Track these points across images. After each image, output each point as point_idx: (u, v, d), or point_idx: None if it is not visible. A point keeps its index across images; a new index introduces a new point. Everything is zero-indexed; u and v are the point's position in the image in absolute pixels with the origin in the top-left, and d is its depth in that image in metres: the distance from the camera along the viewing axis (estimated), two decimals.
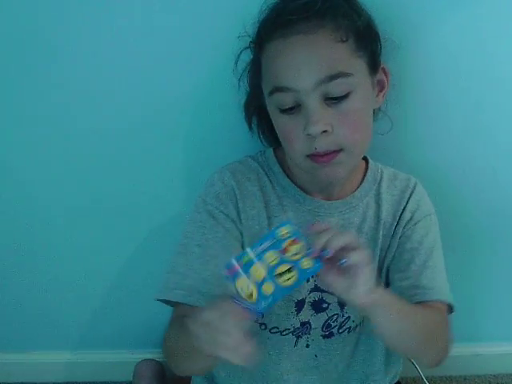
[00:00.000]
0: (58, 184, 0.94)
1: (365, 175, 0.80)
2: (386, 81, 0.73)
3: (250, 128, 0.82)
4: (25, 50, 0.82)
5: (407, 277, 0.76)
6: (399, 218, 0.79)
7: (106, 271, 1.04)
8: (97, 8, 0.79)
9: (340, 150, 0.67)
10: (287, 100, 0.66)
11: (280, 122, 0.69)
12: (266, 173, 0.78)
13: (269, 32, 0.67)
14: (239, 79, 0.79)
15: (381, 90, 0.73)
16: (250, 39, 0.74)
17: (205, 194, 0.76)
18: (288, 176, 0.77)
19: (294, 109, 0.66)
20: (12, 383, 1.15)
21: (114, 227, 0.99)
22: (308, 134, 0.65)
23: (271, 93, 0.67)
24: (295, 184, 0.77)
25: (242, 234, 0.75)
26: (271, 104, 0.69)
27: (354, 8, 0.69)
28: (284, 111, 0.67)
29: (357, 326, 0.80)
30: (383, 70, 0.73)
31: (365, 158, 0.81)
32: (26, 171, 0.93)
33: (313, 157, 0.68)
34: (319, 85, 0.64)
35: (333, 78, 0.64)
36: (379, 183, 0.80)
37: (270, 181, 0.77)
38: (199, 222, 0.75)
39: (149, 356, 1.09)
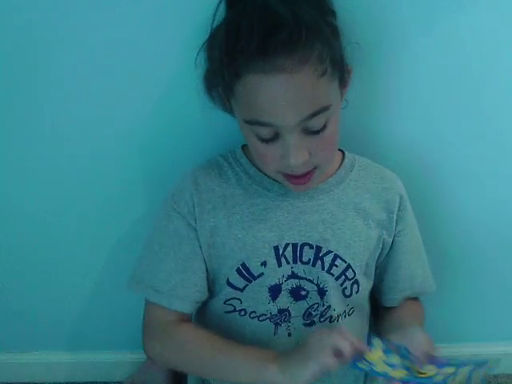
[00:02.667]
0: (57, 184, 0.94)
1: (341, 163, 0.81)
2: (348, 79, 0.72)
3: (213, 100, 0.76)
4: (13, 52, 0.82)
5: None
6: (389, 212, 0.80)
7: (106, 270, 1.04)
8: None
9: (315, 168, 0.70)
10: (266, 132, 0.66)
11: (255, 144, 0.69)
12: (231, 167, 0.79)
13: (249, 63, 0.62)
14: (196, 56, 0.74)
15: (344, 88, 0.72)
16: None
17: (167, 195, 0.80)
18: (256, 166, 0.78)
19: (271, 140, 0.67)
20: (12, 383, 1.15)
21: (114, 227, 0.99)
22: (288, 165, 0.67)
23: (249, 122, 0.66)
24: (264, 172, 0.77)
25: (195, 228, 0.77)
26: (247, 128, 0.68)
27: (331, 26, 0.67)
28: (261, 139, 0.67)
29: (339, 315, 0.80)
30: (347, 70, 0.71)
31: (340, 150, 0.82)
32: (20, 174, 0.93)
33: (288, 177, 0.70)
34: (301, 122, 0.64)
35: (315, 114, 0.64)
36: (357, 171, 0.81)
37: (236, 172, 0.78)
38: (159, 221, 0.80)
39: None
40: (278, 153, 0.67)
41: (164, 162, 0.91)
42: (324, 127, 0.66)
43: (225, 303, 0.79)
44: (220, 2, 0.70)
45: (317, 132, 0.66)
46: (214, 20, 0.70)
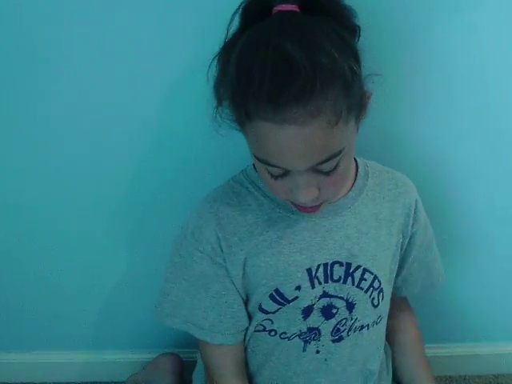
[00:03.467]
0: (59, 186, 0.94)
1: (356, 173, 0.79)
2: (368, 103, 0.67)
3: (221, 105, 0.71)
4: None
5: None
6: (406, 215, 0.80)
7: (108, 271, 1.04)
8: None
9: (322, 203, 0.69)
10: (276, 170, 0.64)
11: (265, 175, 0.67)
12: (249, 191, 0.76)
13: (260, 110, 0.58)
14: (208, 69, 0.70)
15: (363, 115, 0.67)
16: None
17: (185, 227, 0.77)
18: None
19: (280, 176, 0.65)
20: (12, 383, 1.15)
21: (117, 228, 0.99)
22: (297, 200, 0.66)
23: (259, 160, 0.64)
24: None
25: (223, 265, 0.75)
26: (257, 162, 0.66)
27: (351, 65, 0.60)
28: (271, 174, 0.66)
29: (363, 326, 0.79)
30: (367, 96, 0.66)
31: None
32: (24, 174, 0.93)
33: (296, 206, 0.69)
34: (312, 167, 0.62)
35: (325, 161, 0.62)
36: (371, 179, 0.80)
37: (256, 198, 0.76)
38: (180, 257, 0.78)
39: (149, 356, 1.09)
40: (288, 186, 0.66)
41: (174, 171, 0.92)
42: (336, 167, 0.64)
43: (256, 326, 0.79)
44: (234, 16, 0.66)
45: (327, 172, 0.64)
46: (227, 33, 0.67)
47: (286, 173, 0.64)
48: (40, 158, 0.91)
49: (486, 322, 1.12)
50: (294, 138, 0.59)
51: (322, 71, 0.57)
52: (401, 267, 0.84)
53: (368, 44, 0.68)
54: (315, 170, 0.63)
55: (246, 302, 0.79)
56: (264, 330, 0.78)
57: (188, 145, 0.89)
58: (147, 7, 0.78)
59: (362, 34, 0.67)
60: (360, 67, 0.63)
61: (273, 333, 0.78)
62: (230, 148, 0.84)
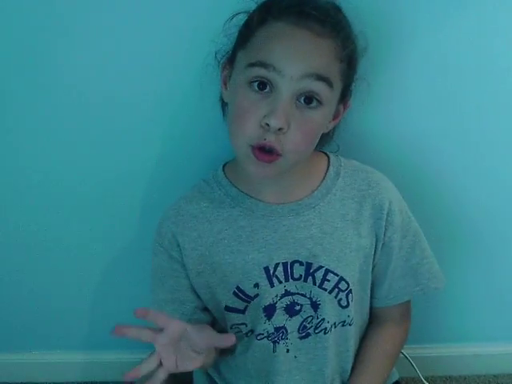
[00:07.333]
0: (58, 187, 0.94)
1: (327, 172, 0.78)
2: (341, 113, 0.75)
3: (224, 115, 0.80)
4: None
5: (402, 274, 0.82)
6: (377, 218, 0.78)
7: (107, 271, 1.04)
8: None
9: (280, 155, 0.67)
10: (267, 77, 0.65)
11: (242, 97, 0.67)
12: (213, 190, 0.78)
13: (282, 12, 0.67)
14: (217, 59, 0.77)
15: (334, 119, 0.74)
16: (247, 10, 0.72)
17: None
18: (237, 186, 0.77)
19: (265, 89, 0.66)
20: (12, 383, 1.15)
21: (115, 228, 0.99)
22: (266, 124, 0.65)
23: (252, 65, 0.66)
24: (246, 192, 0.76)
25: (178, 260, 0.78)
26: (243, 77, 0.67)
27: (356, 39, 0.72)
28: (252, 84, 0.66)
29: (332, 326, 0.79)
30: (347, 102, 0.75)
31: (325, 154, 0.81)
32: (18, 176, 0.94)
33: (256, 150, 0.67)
34: (304, 78, 0.64)
35: (319, 78, 0.65)
36: (343, 178, 0.78)
37: (218, 196, 0.77)
38: (153, 259, 0.82)
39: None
40: (262, 111, 0.65)
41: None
42: (314, 108, 0.67)
43: (231, 328, 0.79)
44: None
45: (307, 106, 0.66)
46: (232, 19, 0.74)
47: (269, 89, 0.66)
48: (33, 157, 0.92)
49: (486, 322, 1.12)
50: (305, 41, 0.66)
51: (341, 20, 0.70)
52: (384, 275, 0.82)
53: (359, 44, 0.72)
54: (298, 96, 0.66)
55: (212, 307, 0.80)
56: (240, 332, 0.79)
57: (180, 148, 0.90)
58: (145, 8, 0.79)
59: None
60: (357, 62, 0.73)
61: (250, 333, 0.79)
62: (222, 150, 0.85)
